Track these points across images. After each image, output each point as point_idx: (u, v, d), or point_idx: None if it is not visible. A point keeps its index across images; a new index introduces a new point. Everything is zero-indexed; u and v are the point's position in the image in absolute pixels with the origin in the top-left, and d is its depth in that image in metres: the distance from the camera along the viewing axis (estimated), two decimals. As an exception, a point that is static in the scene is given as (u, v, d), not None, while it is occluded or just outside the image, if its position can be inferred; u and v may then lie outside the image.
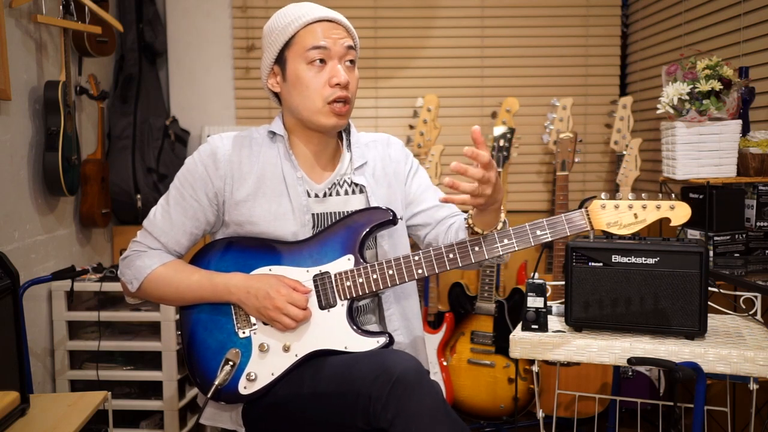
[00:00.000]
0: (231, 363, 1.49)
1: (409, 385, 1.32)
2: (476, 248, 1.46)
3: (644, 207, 1.42)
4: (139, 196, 3.02)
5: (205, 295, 1.53)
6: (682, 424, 1.93)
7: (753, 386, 1.64)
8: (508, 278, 3.30)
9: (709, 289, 1.73)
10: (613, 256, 1.70)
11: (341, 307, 1.50)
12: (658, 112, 2.41)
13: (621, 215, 1.43)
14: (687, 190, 2.38)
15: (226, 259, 1.56)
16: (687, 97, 2.29)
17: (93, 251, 2.94)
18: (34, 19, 2.44)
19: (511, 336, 1.73)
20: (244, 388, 1.50)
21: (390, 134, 1.77)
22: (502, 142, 3.01)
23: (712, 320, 1.85)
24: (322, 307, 1.51)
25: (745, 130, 2.39)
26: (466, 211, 1.54)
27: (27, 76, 2.44)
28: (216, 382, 1.47)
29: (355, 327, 1.50)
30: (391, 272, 1.49)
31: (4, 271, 1.68)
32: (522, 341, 1.71)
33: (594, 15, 3.42)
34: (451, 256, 1.47)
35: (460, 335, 3.04)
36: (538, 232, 1.44)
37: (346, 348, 1.49)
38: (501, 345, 2.95)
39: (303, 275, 1.52)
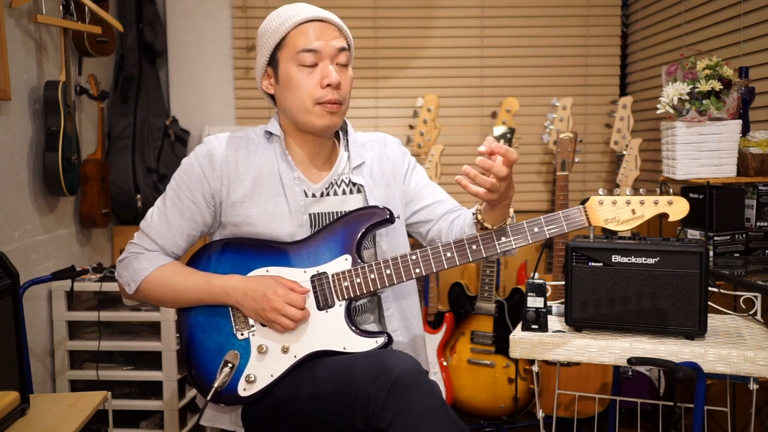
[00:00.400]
0: (230, 365, 1.49)
1: (408, 385, 1.31)
2: (473, 247, 1.46)
3: (642, 203, 1.41)
4: (139, 196, 3.02)
5: (202, 297, 1.53)
6: (682, 424, 1.93)
7: (753, 386, 1.63)
8: (508, 278, 3.30)
9: (709, 289, 1.73)
10: (613, 256, 1.70)
11: (339, 308, 1.50)
12: (658, 112, 2.40)
13: (619, 211, 1.42)
14: (687, 190, 2.38)
15: (223, 261, 1.56)
16: (687, 97, 2.29)
17: (93, 251, 2.94)
18: (34, 19, 2.44)
19: (511, 336, 1.73)
20: (244, 389, 1.49)
21: (390, 134, 1.76)
22: (502, 143, 2.99)
23: (712, 320, 1.84)
24: (320, 308, 1.51)
25: (745, 130, 2.39)
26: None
27: (27, 76, 2.44)
28: (215, 385, 1.47)
29: (353, 327, 1.49)
30: (388, 272, 1.49)
31: (4, 271, 1.68)
32: (522, 341, 1.71)
33: (594, 15, 3.42)
34: (448, 254, 1.47)
35: (460, 335, 3.04)
36: (536, 229, 1.44)
37: (344, 348, 1.48)
38: (501, 345, 2.95)
39: (300, 276, 1.52)
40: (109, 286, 2.54)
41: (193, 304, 1.55)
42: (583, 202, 1.46)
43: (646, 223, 1.43)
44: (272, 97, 1.63)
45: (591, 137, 3.43)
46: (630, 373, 2.74)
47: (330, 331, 1.50)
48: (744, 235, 2.27)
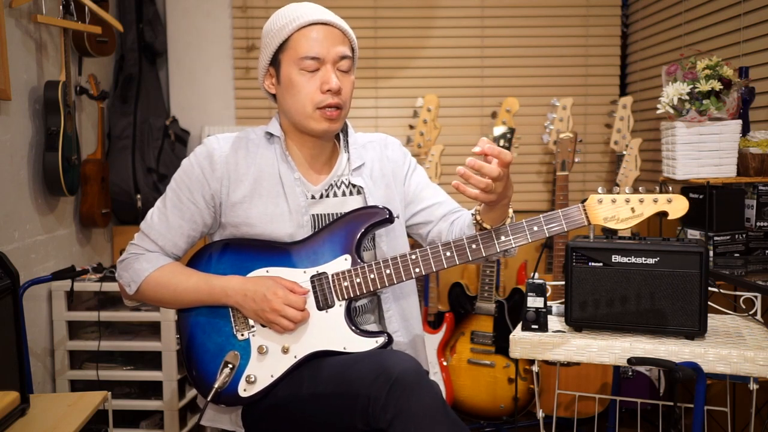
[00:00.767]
0: (230, 366, 1.49)
1: (408, 385, 1.31)
2: (473, 246, 1.46)
3: (641, 201, 1.41)
4: (139, 196, 3.02)
5: (202, 298, 1.53)
6: (682, 424, 1.93)
7: (753, 386, 1.63)
8: (508, 278, 3.30)
9: (709, 289, 1.73)
10: (613, 256, 1.70)
11: (339, 308, 1.50)
12: (658, 112, 2.40)
13: (618, 209, 1.42)
14: (687, 190, 2.38)
15: (223, 262, 1.56)
16: (687, 97, 2.28)
17: (93, 251, 2.94)
18: (34, 19, 2.44)
19: (511, 336, 1.73)
20: (244, 390, 1.49)
21: (390, 134, 1.76)
22: (502, 142, 3.00)
23: (712, 320, 1.84)
24: (320, 308, 1.51)
25: (745, 130, 2.39)
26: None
27: (27, 76, 2.44)
28: (215, 385, 1.47)
29: (353, 327, 1.49)
30: (388, 271, 1.49)
31: (4, 271, 1.68)
32: (522, 341, 1.71)
33: (594, 15, 3.42)
34: (448, 254, 1.47)
35: (460, 335, 3.04)
36: (536, 228, 1.44)
37: (344, 348, 1.48)
38: (501, 345, 2.95)
39: (300, 276, 1.52)
40: (109, 286, 2.54)
41: (193, 305, 1.55)
42: (583, 201, 1.45)
43: (646, 223, 1.42)
44: (274, 96, 1.63)
45: (591, 137, 3.43)
46: (630, 373, 2.74)
47: (330, 332, 1.50)
48: (744, 235, 2.27)
